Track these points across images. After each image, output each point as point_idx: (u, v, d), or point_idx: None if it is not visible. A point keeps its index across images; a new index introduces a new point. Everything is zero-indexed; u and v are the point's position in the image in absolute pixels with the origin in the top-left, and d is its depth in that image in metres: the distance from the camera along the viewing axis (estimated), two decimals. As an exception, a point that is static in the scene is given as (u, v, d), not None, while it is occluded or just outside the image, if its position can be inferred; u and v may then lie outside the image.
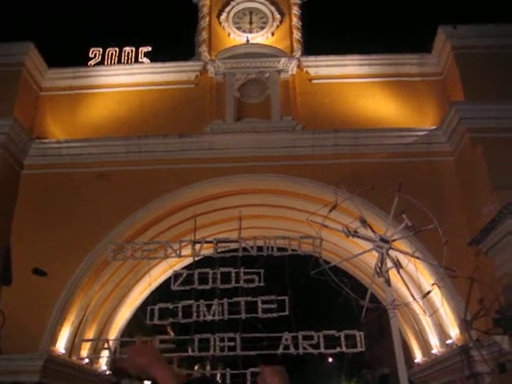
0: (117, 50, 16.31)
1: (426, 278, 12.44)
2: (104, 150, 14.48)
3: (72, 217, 13.72)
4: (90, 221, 13.63)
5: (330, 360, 35.03)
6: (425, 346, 14.79)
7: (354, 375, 34.09)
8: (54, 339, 12.92)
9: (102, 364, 15.30)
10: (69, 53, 17.54)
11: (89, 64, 16.04)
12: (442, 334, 13.49)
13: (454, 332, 12.89)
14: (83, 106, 15.46)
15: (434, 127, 14.35)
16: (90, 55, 16.17)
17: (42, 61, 15.55)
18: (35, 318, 12.58)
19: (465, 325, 12.07)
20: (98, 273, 14.07)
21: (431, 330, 14.09)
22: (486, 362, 11.68)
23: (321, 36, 17.45)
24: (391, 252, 7.94)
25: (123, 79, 15.82)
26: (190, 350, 10.66)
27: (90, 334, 14.58)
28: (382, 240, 7.78)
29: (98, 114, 15.33)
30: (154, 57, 16.20)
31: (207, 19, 16.77)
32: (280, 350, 10.20)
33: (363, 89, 15.30)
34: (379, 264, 7.78)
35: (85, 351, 14.04)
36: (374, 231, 8.09)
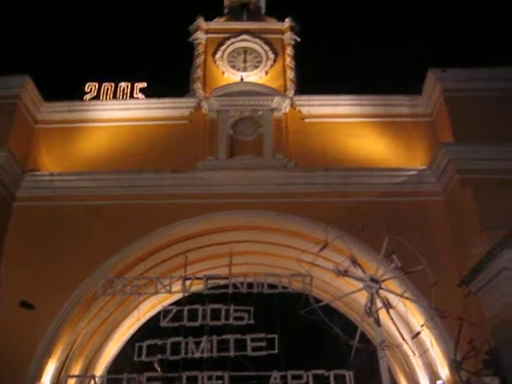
0: (112, 85, 16.54)
1: (416, 317, 12.43)
2: (96, 184, 14.53)
3: (63, 250, 13.65)
4: (80, 255, 13.57)
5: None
6: (415, 385, 14.65)
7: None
8: (39, 374, 12.69)
9: (88, 401, 15.01)
10: (65, 87, 17.72)
11: (84, 98, 16.22)
12: (432, 375, 13.38)
13: (443, 372, 12.81)
14: (77, 139, 15.57)
15: (423, 167, 14.57)
16: (86, 90, 16.37)
17: (38, 94, 15.73)
18: (21, 352, 12.40)
19: (455, 365, 12.00)
20: (87, 307, 13.92)
21: (421, 370, 13.98)
22: (475, 404, 11.58)
23: (314, 76, 17.78)
24: (381, 292, 7.98)
25: (118, 114, 16.00)
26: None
27: (77, 369, 14.33)
28: (372, 280, 7.84)
29: (92, 148, 15.43)
30: (149, 92, 16.42)
31: (202, 57, 17.11)
32: (269, 389, 10.10)
33: (354, 128, 15.56)
34: (369, 304, 7.81)
35: (70, 387, 13.79)
36: (364, 271, 8.15)
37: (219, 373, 10.34)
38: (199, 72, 16.77)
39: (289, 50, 17.18)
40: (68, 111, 15.98)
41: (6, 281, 13.19)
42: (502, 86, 14.73)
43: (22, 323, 12.61)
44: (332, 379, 10.27)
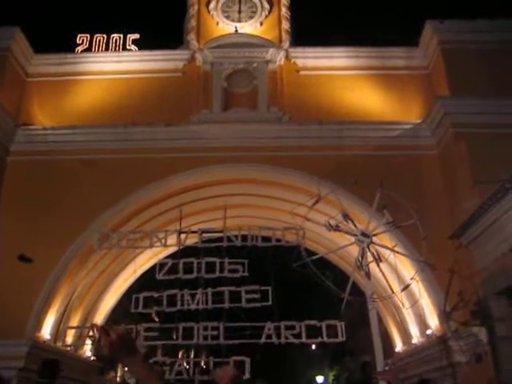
0: (105, 36, 16.23)
1: (407, 269, 12.65)
2: (90, 138, 14.47)
3: (58, 204, 13.71)
4: (75, 208, 13.64)
5: (313, 348, 35.41)
6: (405, 335, 15.06)
7: (336, 362, 34.51)
8: (39, 325, 12.99)
9: (87, 350, 15.41)
10: (56, 38, 17.39)
11: (76, 50, 15.95)
12: (422, 325, 13.74)
13: (433, 323, 13.15)
14: (70, 92, 15.40)
15: (418, 121, 14.51)
16: (78, 41, 16.06)
17: (29, 46, 15.45)
18: (21, 305, 12.62)
19: (444, 316, 12.31)
20: (84, 260, 14.11)
21: (412, 321, 14.35)
22: (463, 352, 11.94)
23: (309, 27, 17.48)
24: (372, 246, 8.11)
25: (111, 66, 15.77)
26: (174, 338, 10.81)
27: (75, 320, 14.64)
28: (363, 234, 7.94)
29: (85, 101, 15.28)
30: (141, 44, 16.14)
31: (196, 7, 16.72)
32: (262, 340, 10.39)
33: (350, 81, 15.42)
34: (360, 258, 7.95)
35: (70, 337, 14.14)
36: (355, 225, 8.25)
37: (214, 323, 10.60)
38: (193, 22, 16.43)
39: (284, 0, 16.80)
40: (60, 64, 15.73)
41: (2, 235, 13.29)
42: (501, 39, 14.49)
43: (20, 276, 12.78)
44: (324, 329, 10.57)
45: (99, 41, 16.15)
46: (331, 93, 15.16)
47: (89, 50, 16.00)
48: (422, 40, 15.40)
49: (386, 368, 13.85)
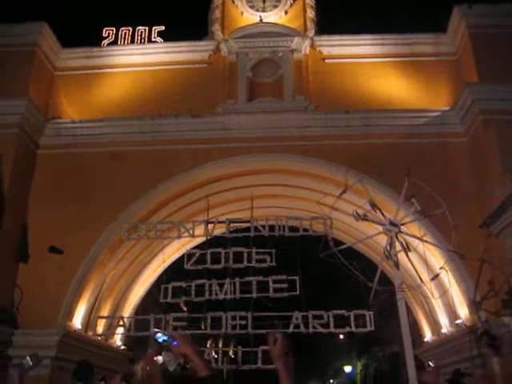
0: (130, 29, 16.31)
1: (436, 258, 12.52)
2: (117, 130, 14.62)
3: (87, 196, 13.92)
4: (104, 200, 13.85)
5: (341, 337, 35.38)
6: (434, 325, 14.94)
7: (364, 352, 34.45)
8: (70, 315, 13.25)
9: (117, 340, 15.67)
10: (82, 32, 17.57)
11: (102, 44, 16.08)
12: (452, 314, 13.62)
13: (463, 312, 13.01)
14: (97, 85, 15.58)
15: (447, 108, 14.28)
16: (104, 35, 16.18)
17: (56, 40, 15.62)
18: (52, 295, 12.90)
19: (474, 306, 12.19)
20: (113, 251, 14.33)
21: (441, 310, 14.23)
22: (494, 342, 11.79)
23: (334, 15, 17.28)
24: (401, 235, 8.03)
25: (136, 59, 15.88)
26: (202, 328, 10.88)
27: (105, 310, 14.91)
28: (392, 224, 7.85)
29: (112, 94, 15.44)
30: (167, 36, 16.20)
31: (220, -3, 16.68)
32: (290, 329, 10.39)
33: (376, 69, 15.24)
34: (388, 247, 7.88)
35: (100, 327, 14.39)
36: (383, 214, 8.16)
37: (242, 313, 10.64)
38: (217, 13, 16.41)
39: (309, -12, 16.64)
40: (86, 57, 15.90)
41: (33, 227, 13.57)
42: (531, 23, 14.17)
43: (51, 267, 13.05)
44: (352, 319, 10.52)
45: (125, 34, 16.25)
46: (357, 81, 15.02)
47: (115, 43, 16.12)
48: (449, 25, 15.10)
49: (429, 367, 13.80)
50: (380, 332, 24.70)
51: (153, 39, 16.09)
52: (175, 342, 3.35)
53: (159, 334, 3.65)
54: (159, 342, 3.65)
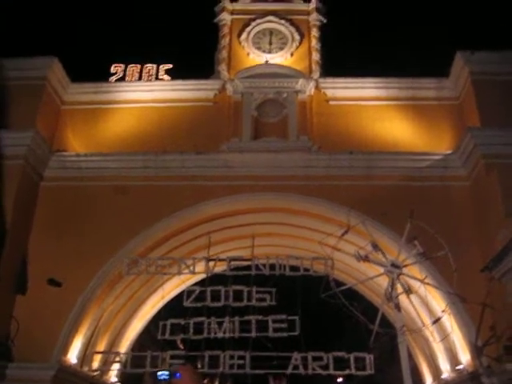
0: (138, 66, 16.61)
1: (437, 301, 12.43)
2: (122, 165, 14.72)
3: (88, 229, 13.92)
4: (105, 234, 13.83)
5: (340, 380, 34.70)
6: (435, 370, 14.71)
7: (363, 396, 33.72)
8: (65, 349, 13.08)
9: (112, 375, 15.42)
10: (91, 68, 17.87)
11: (110, 80, 16.33)
12: (453, 359, 13.42)
13: (464, 358, 12.82)
14: (103, 120, 15.76)
15: (449, 152, 14.40)
16: (112, 71, 16.46)
17: (65, 75, 15.88)
18: (48, 328, 12.76)
19: (476, 351, 12.01)
20: (112, 285, 14.23)
21: (442, 355, 14.03)
22: (496, 389, 11.58)
23: (339, 58, 17.62)
24: (402, 277, 8.01)
25: (143, 95, 16.11)
26: (199, 366, 10.74)
27: (102, 345, 14.70)
28: (393, 265, 7.85)
29: (118, 129, 15.60)
30: (174, 74, 16.46)
31: (227, 38, 17.04)
32: (289, 370, 10.25)
33: (379, 111, 15.43)
34: (389, 289, 7.85)
35: (96, 362, 14.18)
36: (385, 256, 8.17)
37: (241, 352, 10.51)
38: (224, 53, 16.72)
39: (314, 32, 16.99)
40: (94, 92, 16.14)
41: (33, 259, 13.52)
42: (531, 70, 14.41)
43: (49, 300, 12.97)
44: (352, 362, 10.38)
45: (133, 70, 16.55)
46: (361, 123, 15.19)
47: (122, 79, 16.39)
48: (452, 71, 15.36)
49: None
50: (380, 376, 24.23)
51: (160, 77, 16.34)
52: (178, 375, 3.34)
53: (160, 372, 3.71)
54: (160, 379, 3.68)
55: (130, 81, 16.37)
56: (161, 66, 16.51)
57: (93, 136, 15.55)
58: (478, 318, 12.03)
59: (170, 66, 16.55)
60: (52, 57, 15.41)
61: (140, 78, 16.41)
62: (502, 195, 12.43)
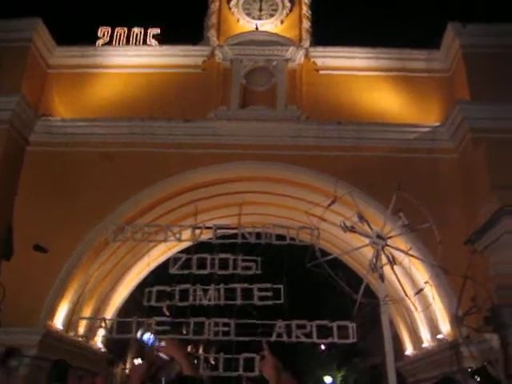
0: (125, 30, 16.28)
1: (421, 273, 12.60)
2: (108, 131, 14.56)
3: (74, 195, 13.85)
4: (91, 200, 13.77)
5: (323, 347, 35.39)
6: (416, 339, 15.00)
7: (345, 363, 34.47)
8: (52, 315, 13.14)
9: (98, 341, 15.55)
10: (77, 31, 17.51)
11: (97, 43, 16.03)
12: (434, 329, 13.69)
13: (445, 327, 13.09)
14: (90, 85, 15.52)
15: (437, 124, 14.42)
16: (99, 34, 16.14)
17: (51, 38, 15.55)
18: (34, 294, 12.78)
19: (456, 321, 12.26)
20: (98, 252, 14.24)
21: (423, 325, 14.30)
22: (474, 359, 11.87)
23: (329, 27, 17.42)
24: (387, 248, 8.09)
25: (131, 60, 15.85)
26: (184, 332, 10.82)
27: (88, 311, 14.79)
28: (379, 237, 7.92)
29: (104, 94, 15.38)
30: (162, 39, 16.18)
31: (217, 3, 16.71)
32: (273, 338, 10.37)
33: (369, 82, 15.34)
34: (374, 260, 7.93)
35: (81, 328, 14.28)
36: (370, 227, 8.23)
37: (226, 320, 10.60)
38: (213, 19, 16.43)
39: (305, -1, 16.75)
40: (80, 56, 15.84)
41: (18, 224, 13.45)
42: (524, 43, 14.35)
43: (35, 265, 12.95)
44: (335, 330, 10.52)
45: (120, 34, 16.21)
46: (350, 93, 15.11)
47: (110, 43, 16.06)
48: (443, 43, 15.26)
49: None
50: (361, 343, 24.74)
51: (148, 41, 16.06)
52: (162, 344, 3.57)
53: (146, 336, 3.92)
54: (145, 343, 3.85)
55: (117, 45, 16.06)
56: (149, 31, 16.15)
57: (79, 101, 15.33)
58: (459, 290, 12.25)
59: (158, 30, 16.21)
60: (37, 18, 15.04)
61: (127, 43, 16.08)
62: (489, 169, 12.52)
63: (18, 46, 14.67)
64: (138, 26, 16.38)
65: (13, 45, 14.61)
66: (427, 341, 14.13)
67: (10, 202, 13.72)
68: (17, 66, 14.38)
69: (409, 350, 15.72)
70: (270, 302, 10.45)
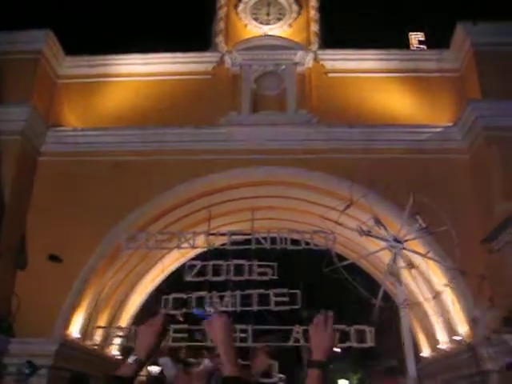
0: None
1: (438, 276, 12.49)
2: (119, 140, 14.58)
3: (87, 204, 13.87)
4: (104, 209, 13.78)
5: (338, 350, 35.16)
6: (433, 340, 14.87)
7: (360, 366, 34.25)
8: (67, 324, 13.16)
9: (113, 349, 15.55)
10: (87, 40, 17.57)
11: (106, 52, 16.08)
12: (451, 330, 13.55)
13: (462, 329, 12.95)
14: (100, 94, 15.56)
15: (449, 124, 14.32)
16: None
17: (60, 48, 15.63)
18: (50, 303, 12.80)
19: (474, 322, 12.14)
20: (112, 260, 14.25)
21: (440, 326, 14.17)
22: (493, 360, 11.74)
23: (338, 29, 17.35)
24: (404, 252, 8.02)
25: (140, 68, 15.90)
26: (201, 340, 10.77)
27: (103, 319, 14.81)
28: (396, 240, 7.86)
29: (114, 103, 15.42)
30: (171, 46, 16.23)
31: (225, 9, 16.74)
32: (291, 343, 10.30)
33: (379, 83, 15.28)
34: (391, 263, 7.87)
35: (97, 336, 14.28)
36: (387, 231, 8.16)
37: (243, 326, 10.54)
38: (221, 25, 16.45)
39: (313, 2, 16.70)
40: (90, 66, 15.89)
41: (33, 235, 13.49)
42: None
43: (49, 275, 12.97)
44: (353, 333, 10.44)
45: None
46: (360, 95, 15.04)
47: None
48: (453, 42, 15.17)
49: None
50: (377, 346, 24.56)
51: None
52: (209, 317, 3.00)
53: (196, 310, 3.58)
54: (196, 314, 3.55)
55: (126, 54, 16.10)
56: (157, 39, 16.25)
57: (89, 110, 15.38)
58: (476, 290, 12.12)
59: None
60: (46, 30, 15.12)
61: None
62: (503, 167, 12.45)
63: (27, 57, 14.73)
64: (147, 33, 16.43)
65: (22, 57, 14.67)
66: (444, 342, 14.00)
67: (23, 213, 13.77)
68: (27, 77, 14.44)
69: (425, 352, 15.59)
70: (286, 308, 10.40)
